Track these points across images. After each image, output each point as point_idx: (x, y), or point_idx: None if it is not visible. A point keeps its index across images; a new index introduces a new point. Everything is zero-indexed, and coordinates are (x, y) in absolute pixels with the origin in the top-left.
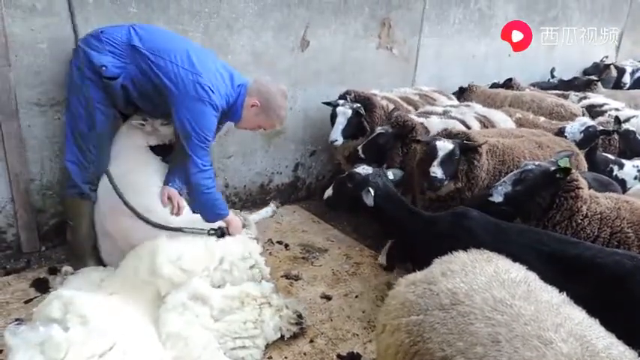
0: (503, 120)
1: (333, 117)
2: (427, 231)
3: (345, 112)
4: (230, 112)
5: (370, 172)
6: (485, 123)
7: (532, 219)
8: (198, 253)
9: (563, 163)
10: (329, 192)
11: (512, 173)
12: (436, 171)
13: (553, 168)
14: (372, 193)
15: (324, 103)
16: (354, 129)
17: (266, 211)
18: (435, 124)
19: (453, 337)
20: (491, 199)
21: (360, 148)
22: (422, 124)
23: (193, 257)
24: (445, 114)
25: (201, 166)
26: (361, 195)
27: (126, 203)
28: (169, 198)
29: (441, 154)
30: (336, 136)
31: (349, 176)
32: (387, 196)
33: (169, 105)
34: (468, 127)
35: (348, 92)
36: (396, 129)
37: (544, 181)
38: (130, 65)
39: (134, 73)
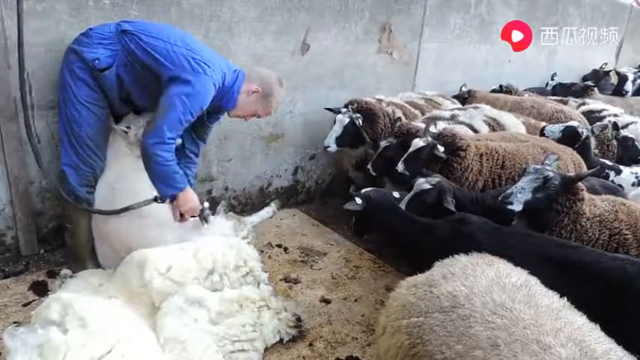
0: (514, 124)
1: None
2: (426, 238)
3: (342, 120)
4: (225, 97)
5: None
6: (495, 127)
7: (548, 227)
8: (187, 264)
9: (555, 166)
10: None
11: (526, 180)
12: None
13: (573, 175)
14: (358, 202)
15: (326, 109)
16: (350, 138)
17: (266, 212)
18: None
19: (452, 340)
20: (510, 207)
21: (369, 166)
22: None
23: (183, 268)
24: (453, 119)
25: (166, 139)
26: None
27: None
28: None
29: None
30: (330, 142)
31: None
32: (379, 204)
33: (162, 85)
34: (477, 132)
35: (351, 102)
36: (400, 138)
37: (564, 188)
38: (120, 51)
39: (125, 58)
